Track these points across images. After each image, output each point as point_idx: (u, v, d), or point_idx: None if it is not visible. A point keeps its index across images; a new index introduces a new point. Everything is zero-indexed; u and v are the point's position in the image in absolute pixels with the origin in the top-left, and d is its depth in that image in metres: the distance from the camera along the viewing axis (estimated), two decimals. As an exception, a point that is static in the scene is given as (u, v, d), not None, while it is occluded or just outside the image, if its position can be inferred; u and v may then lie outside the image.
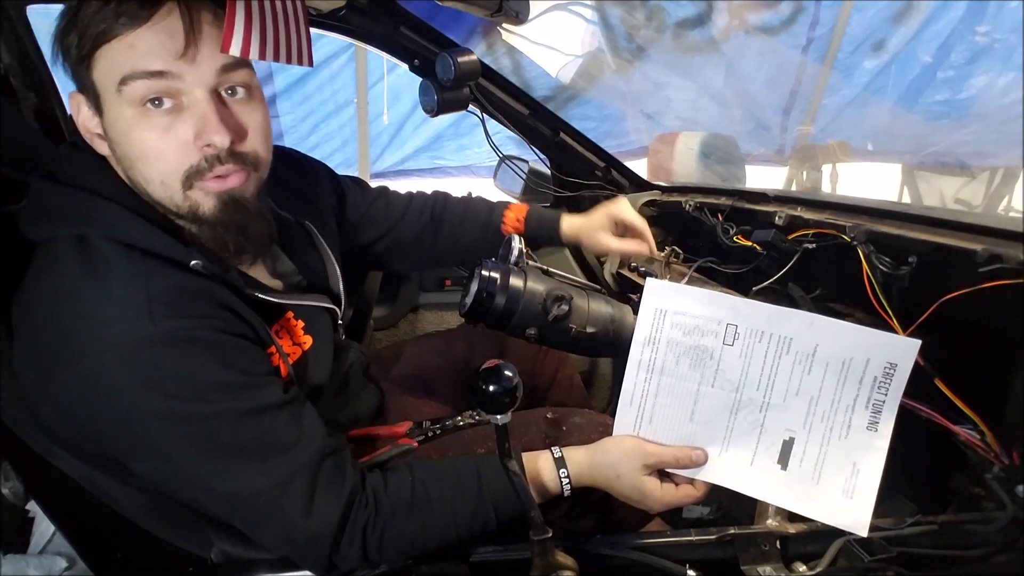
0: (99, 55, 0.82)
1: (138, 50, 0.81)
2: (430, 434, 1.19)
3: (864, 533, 0.89)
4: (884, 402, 0.88)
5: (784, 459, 0.92)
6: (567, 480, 0.96)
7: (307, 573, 0.93)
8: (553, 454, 0.98)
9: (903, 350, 0.86)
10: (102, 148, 0.88)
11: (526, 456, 0.97)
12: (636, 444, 0.96)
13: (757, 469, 0.94)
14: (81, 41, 0.82)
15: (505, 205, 1.39)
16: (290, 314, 1.00)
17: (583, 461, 0.97)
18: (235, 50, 0.77)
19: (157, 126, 0.83)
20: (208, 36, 0.83)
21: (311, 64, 0.85)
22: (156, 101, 0.83)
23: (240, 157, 0.88)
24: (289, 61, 0.82)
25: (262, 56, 0.79)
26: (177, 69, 0.82)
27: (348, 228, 1.31)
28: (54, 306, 0.81)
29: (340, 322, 1.13)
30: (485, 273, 1.10)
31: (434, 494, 0.92)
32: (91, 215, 0.84)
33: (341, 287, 1.12)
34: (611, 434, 1.21)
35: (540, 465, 0.97)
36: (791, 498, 0.92)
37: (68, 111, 0.90)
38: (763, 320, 0.90)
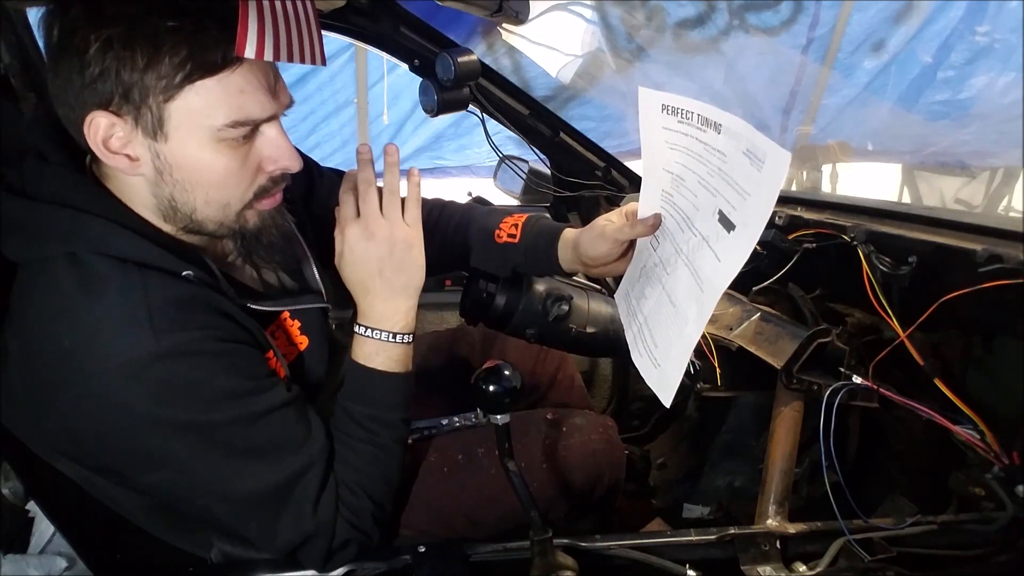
0: (191, 89, 0.77)
1: (249, 96, 0.80)
2: (426, 433, 1.19)
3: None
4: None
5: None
6: (366, 329, 0.94)
7: (307, 573, 0.93)
8: (355, 329, 0.97)
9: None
10: (122, 165, 0.82)
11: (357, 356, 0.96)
12: None
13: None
14: (172, 68, 0.76)
15: (507, 212, 1.27)
16: (286, 314, 1.00)
17: (358, 305, 0.95)
18: (250, 52, 0.75)
19: (237, 156, 0.83)
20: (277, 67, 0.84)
21: (324, 63, 0.85)
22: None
23: (286, 176, 0.91)
24: (303, 61, 0.81)
25: (276, 57, 0.78)
26: (274, 110, 0.84)
27: (315, 223, 1.18)
28: (52, 327, 0.80)
29: (329, 316, 1.12)
30: (485, 273, 1.10)
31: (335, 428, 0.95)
32: (80, 232, 0.81)
33: (319, 279, 1.09)
34: (611, 435, 1.22)
35: (357, 345, 0.96)
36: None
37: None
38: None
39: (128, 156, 0.81)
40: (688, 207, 0.88)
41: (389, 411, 0.94)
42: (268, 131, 0.85)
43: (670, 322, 0.89)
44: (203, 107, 0.79)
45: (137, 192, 0.86)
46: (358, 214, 0.95)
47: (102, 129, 0.79)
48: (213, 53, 0.77)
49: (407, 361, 0.95)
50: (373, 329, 0.92)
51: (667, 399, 0.88)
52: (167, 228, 0.89)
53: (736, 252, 0.78)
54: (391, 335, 0.92)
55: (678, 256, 0.90)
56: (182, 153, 0.81)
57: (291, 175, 0.92)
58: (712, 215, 0.82)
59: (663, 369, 0.89)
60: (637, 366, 0.95)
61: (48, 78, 0.81)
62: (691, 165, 0.86)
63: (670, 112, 0.87)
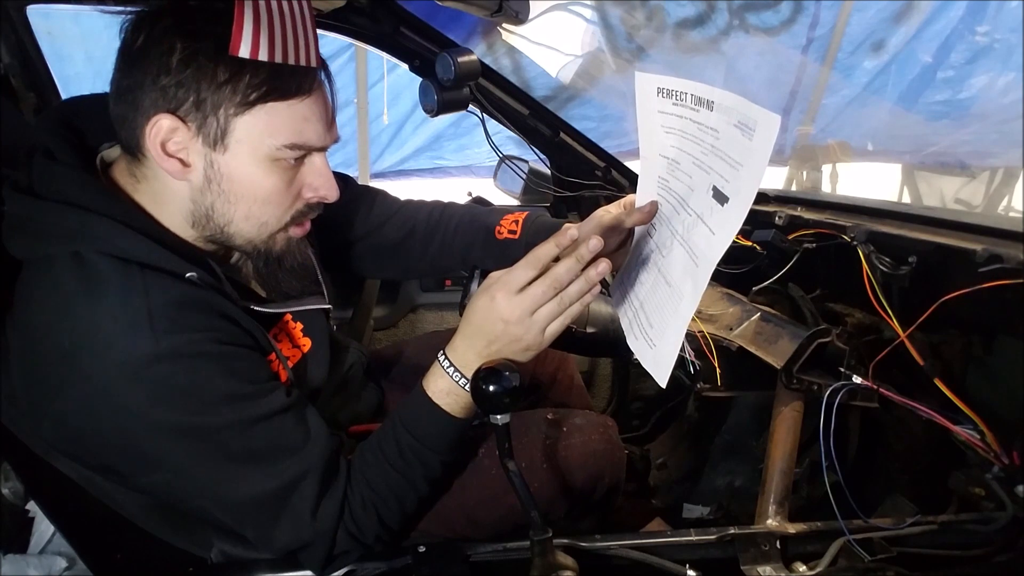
0: (262, 108, 0.82)
1: (311, 125, 0.85)
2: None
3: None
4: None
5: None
6: (450, 367, 0.91)
7: (307, 573, 0.93)
8: (439, 357, 0.93)
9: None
10: (172, 168, 0.83)
11: (426, 379, 0.94)
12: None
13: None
14: (249, 87, 0.80)
15: (507, 210, 1.26)
16: (288, 316, 1.00)
17: (456, 340, 0.92)
18: (244, 52, 0.77)
19: (284, 178, 0.87)
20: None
21: (318, 64, 0.86)
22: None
23: (320, 206, 0.95)
24: (297, 62, 0.82)
25: (271, 57, 0.79)
26: (327, 142, 0.89)
27: (317, 224, 1.16)
28: (54, 326, 0.80)
29: (330, 317, 1.12)
30: (485, 271, 1.10)
31: (366, 448, 0.95)
32: (85, 231, 0.81)
33: (321, 280, 1.10)
34: (611, 435, 1.22)
35: (433, 376, 0.93)
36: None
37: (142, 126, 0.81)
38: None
39: (181, 160, 0.83)
40: (683, 189, 0.88)
41: (434, 451, 0.93)
42: (316, 160, 0.89)
43: (665, 301, 0.89)
44: (268, 126, 0.83)
45: (172, 196, 0.87)
46: (524, 285, 0.87)
47: (163, 131, 0.81)
48: (291, 80, 0.82)
49: (471, 411, 0.94)
50: (456, 370, 0.91)
51: (663, 379, 0.88)
52: (188, 233, 0.89)
53: (729, 223, 0.78)
54: (454, 368, 0.91)
55: (673, 238, 0.90)
56: (236, 165, 0.84)
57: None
58: (707, 192, 0.82)
59: (658, 349, 0.89)
60: (632, 349, 0.95)
61: (115, 75, 0.83)
62: (686, 147, 0.86)
63: (665, 95, 0.88)
